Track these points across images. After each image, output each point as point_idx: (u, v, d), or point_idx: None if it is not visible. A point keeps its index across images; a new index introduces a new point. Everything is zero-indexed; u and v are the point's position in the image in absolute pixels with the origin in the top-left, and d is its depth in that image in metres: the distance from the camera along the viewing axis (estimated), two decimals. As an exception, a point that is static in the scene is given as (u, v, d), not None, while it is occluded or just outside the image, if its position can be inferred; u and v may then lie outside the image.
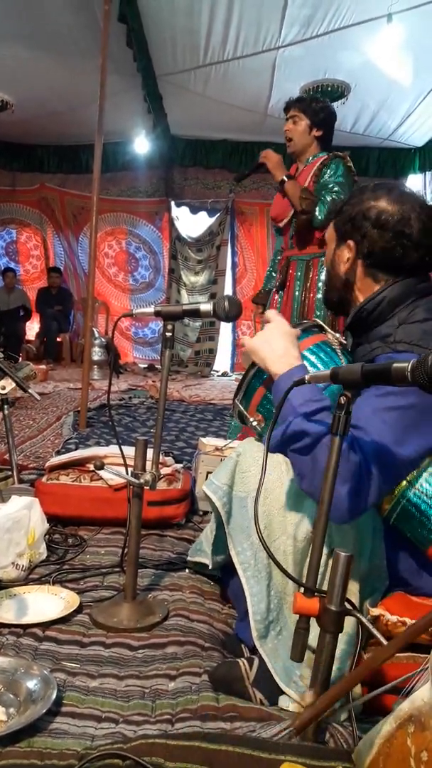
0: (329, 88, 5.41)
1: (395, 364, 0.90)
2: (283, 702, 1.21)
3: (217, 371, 8.13)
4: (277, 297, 2.99)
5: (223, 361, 8.28)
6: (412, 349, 1.15)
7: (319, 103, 2.89)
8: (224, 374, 8.02)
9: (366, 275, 1.32)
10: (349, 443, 1.06)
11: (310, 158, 2.88)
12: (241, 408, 1.38)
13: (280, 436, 1.13)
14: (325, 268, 1.40)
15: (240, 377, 1.41)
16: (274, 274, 3.14)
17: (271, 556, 1.08)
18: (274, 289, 3.02)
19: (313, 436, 1.08)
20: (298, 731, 0.95)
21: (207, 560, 1.64)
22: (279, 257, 3.07)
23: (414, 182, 7.43)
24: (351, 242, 1.32)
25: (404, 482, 1.18)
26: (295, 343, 1.25)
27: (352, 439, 1.07)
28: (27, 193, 8.36)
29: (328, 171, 2.74)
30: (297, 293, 2.85)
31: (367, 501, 1.09)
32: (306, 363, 1.27)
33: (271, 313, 1.31)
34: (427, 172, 7.16)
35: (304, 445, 1.09)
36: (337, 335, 1.35)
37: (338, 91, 5.42)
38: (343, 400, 0.98)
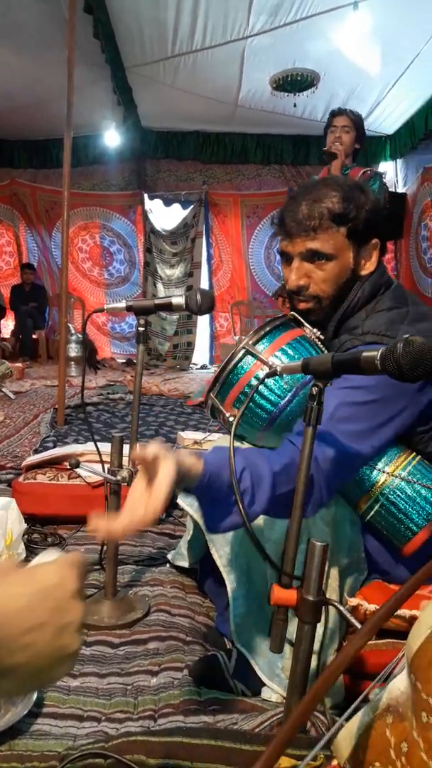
0: (299, 78, 5.40)
1: (365, 353, 0.89)
2: (266, 693, 1.21)
3: (196, 364, 8.11)
4: None
5: (201, 353, 8.25)
6: (381, 340, 1.16)
7: (362, 119, 3.35)
8: (203, 367, 8.00)
9: (373, 271, 1.29)
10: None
11: (349, 167, 3.18)
12: (216, 402, 1.35)
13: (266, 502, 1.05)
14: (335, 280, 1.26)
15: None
16: None
17: (257, 545, 1.07)
18: None
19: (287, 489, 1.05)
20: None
21: (186, 564, 1.64)
22: None
23: (386, 169, 7.46)
24: (377, 240, 1.27)
25: (382, 482, 1.18)
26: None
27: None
28: (-3, 189, 8.25)
29: (371, 186, 2.98)
30: None
31: (322, 497, 1.09)
32: (286, 359, 1.26)
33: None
34: (398, 159, 7.19)
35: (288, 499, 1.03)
36: (315, 330, 1.34)
37: (308, 81, 5.41)
38: (314, 390, 0.97)
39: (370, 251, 1.27)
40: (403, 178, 7.18)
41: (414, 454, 1.21)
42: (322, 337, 1.31)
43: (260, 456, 1.07)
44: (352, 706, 0.70)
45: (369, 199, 1.27)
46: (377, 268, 1.29)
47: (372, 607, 1.12)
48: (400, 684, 0.66)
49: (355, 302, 1.27)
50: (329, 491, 1.10)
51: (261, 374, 1.29)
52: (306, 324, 1.32)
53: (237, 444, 1.25)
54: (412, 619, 1.07)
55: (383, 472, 1.19)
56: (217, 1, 4.45)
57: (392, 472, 1.18)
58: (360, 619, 1.13)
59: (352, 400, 1.12)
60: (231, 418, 1.33)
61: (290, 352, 1.28)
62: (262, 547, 1.07)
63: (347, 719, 0.70)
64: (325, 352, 1.32)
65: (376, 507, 1.19)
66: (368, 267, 1.28)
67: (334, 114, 3.36)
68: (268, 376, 1.08)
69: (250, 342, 1.30)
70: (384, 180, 3.17)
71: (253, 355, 1.30)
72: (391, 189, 7.24)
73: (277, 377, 1.25)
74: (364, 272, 1.28)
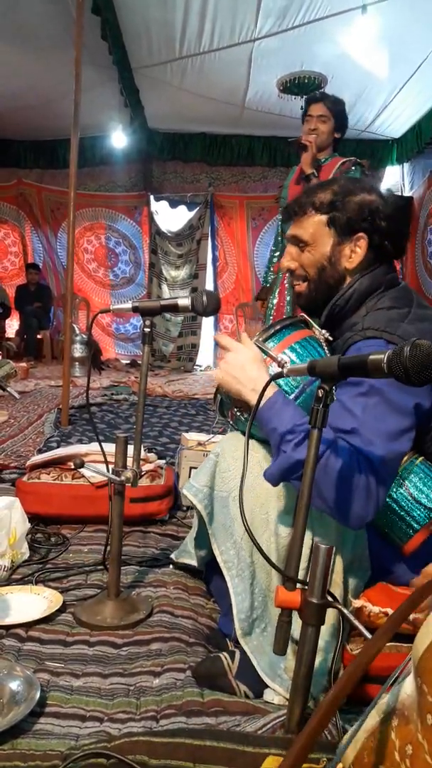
0: (306, 80, 5.40)
1: (371, 356, 0.90)
2: (268, 695, 1.21)
3: (200, 366, 8.11)
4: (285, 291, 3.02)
5: (205, 355, 8.26)
6: (381, 335, 1.16)
7: (343, 106, 3.01)
8: (207, 369, 8.01)
9: (365, 267, 1.32)
10: (354, 458, 1.07)
11: (327, 158, 2.95)
12: (224, 397, 1.37)
13: (277, 470, 1.13)
14: (314, 266, 1.33)
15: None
16: (270, 271, 3.19)
17: (258, 547, 1.08)
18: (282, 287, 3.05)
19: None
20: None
21: (192, 561, 1.64)
22: (279, 255, 3.10)
23: (392, 173, 7.46)
24: (362, 236, 1.29)
25: None
26: (260, 365, 1.23)
27: (353, 451, 1.09)
28: (4, 189, 8.25)
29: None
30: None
31: (378, 503, 1.10)
32: (294, 356, 1.27)
33: (226, 341, 1.27)
34: (405, 164, 7.19)
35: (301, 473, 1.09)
36: (323, 331, 1.34)
37: (315, 83, 5.40)
38: (321, 393, 0.98)
39: (355, 244, 1.30)
40: (409, 181, 7.18)
41: (417, 454, 1.21)
42: (331, 338, 1.32)
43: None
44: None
45: (368, 195, 1.30)
46: (379, 265, 1.31)
47: (376, 609, 1.12)
48: (406, 687, 0.66)
49: (350, 294, 1.29)
50: (384, 493, 1.11)
51: (271, 370, 1.31)
52: (315, 326, 1.33)
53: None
54: (417, 622, 1.07)
55: None
56: (225, 3, 4.46)
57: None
58: (364, 620, 1.12)
59: (373, 402, 1.12)
60: (238, 413, 1.34)
61: (299, 350, 1.29)
62: (263, 552, 1.08)
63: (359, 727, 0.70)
64: (328, 352, 1.33)
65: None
66: (353, 259, 1.30)
67: (310, 101, 3.03)
68: (274, 378, 1.09)
69: (261, 339, 1.33)
70: (366, 171, 2.95)
71: (263, 351, 1.32)
72: (398, 192, 7.25)
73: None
74: (347, 264, 1.31)
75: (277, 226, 3.24)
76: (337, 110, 2.97)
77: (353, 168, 2.88)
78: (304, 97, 3.08)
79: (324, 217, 1.31)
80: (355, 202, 1.29)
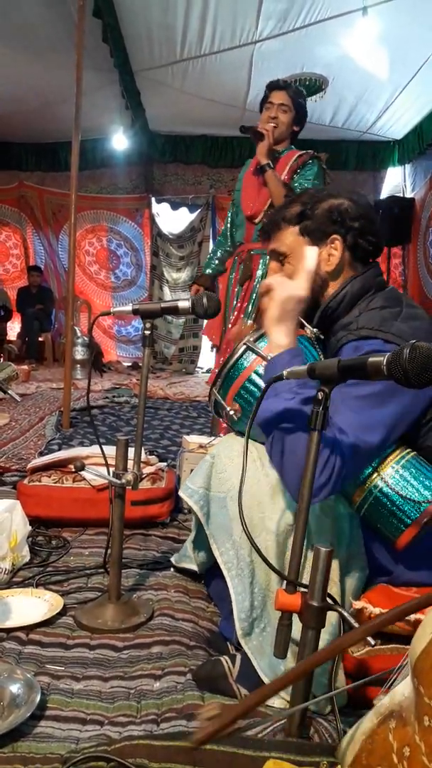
0: (307, 82, 5.38)
1: (371, 359, 0.90)
2: (269, 699, 1.21)
3: (202, 368, 8.11)
4: (236, 290, 2.93)
5: (207, 357, 8.25)
6: (376, 335, 1.18)
7: (304, 99, 2.90)
8: (209, 371, 8.00)
9: (347, 269, 1.34)
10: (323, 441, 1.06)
11: (284, 150, 2.84)
12: (218, 397, 1.38)
13: (272, 413, 1.13)
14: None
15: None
16: (216, 260, 3.11)
17: (255, 548, 1.08)
18: (234, 281, 2.96)
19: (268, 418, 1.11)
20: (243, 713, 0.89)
21: (192, 565, 1.64)
22: (230, 248, 3.03)
23: (394, 175, 7.46)
24: (336, 236, 1.33)
25: (375, 475, 1.19)
26: (295, 317, 1.24)
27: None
28: (5, 192, 8.27)
29: (307, 172, 2.74)
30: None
31: (333, 487, 1.10)
32: None
33: (272, 280, 1.29)
34: (406, 165, 7.19)
35: (291, 426, 1.11)
36: (314, 330, 1.35)
37: (316, 85, 5.39)
38: (320, 395, 0.98)
39: (330, 246, 1.33)
40: (411, 183, 7.17)
41: (409, 449, 1.21)
42: (322, 336, 1.33)
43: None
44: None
45: (335, 200, 1.34)
46: (370, 268, 1.35)
47: (377, 610, 1.12)
48: (403, 689, 0.66)
49: (342, 295, 1.32)
50: (341, 467, 1.10)
51: (261, 370, 1.34)
52: (306, 324, 1.34)
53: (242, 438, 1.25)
54: (417, 623, 1.07)
55: (377, 465, 1.19)
56: (226, 5, 4.47)
57: (386, 466, 1.19)
58: (364, 622, 1.12)
59: (356, 393, 1.14)
60: (231, 412, 1.36)
61: None
62: (262, 553, 1.08)
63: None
64: (319, 351, 1.36)
65: (370, 499, 1.19)
66: (331, 261, 1.33)
67: (273, 87, 2.86)
68: (272, 381, 1.09)
69: (251, 339, 1.36)
70: (323, 165, 2.80)
71: (254, 351, 1.35)
72: (399, 194, 7.24)
73: None
74: (327, 267, 1.34)
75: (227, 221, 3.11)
76: (298, 102, 2.85)
77: (310, 161, 2.77)
78: (267, 82, 2.90)
79: (296, 228, 1.37)
80: (323, 208, 1.34)
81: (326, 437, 1.07)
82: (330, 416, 1.10)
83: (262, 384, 1.30)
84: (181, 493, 1.48)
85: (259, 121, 2.88)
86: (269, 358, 1.23)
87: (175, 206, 8.11)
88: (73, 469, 1.53)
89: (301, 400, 1.11)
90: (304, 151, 2.82)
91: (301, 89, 2.95)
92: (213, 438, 2.61)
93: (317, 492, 1.08)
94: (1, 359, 6.69)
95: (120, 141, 7.23)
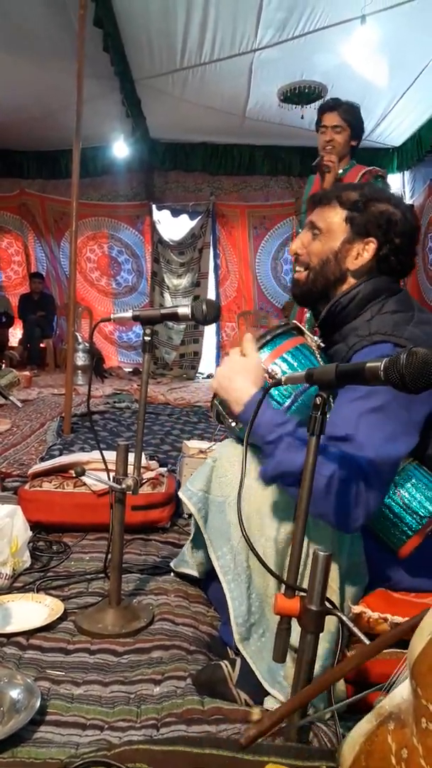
0: (306, 90, 5.43)
1: (368, 364, 0.90)
2: (269, 703, 1.21)
3: (202, 374, 8.11)
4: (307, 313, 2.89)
5: (207, 363, 8.26)
6: (389, 339, 1.17)
7: (359, 113, 2.89)
8: (209, 376, 8.01)
9: (364, 274, 1.34)
10: (344, 465, 1.08)
11: (347, 168, 2.85)
12: (220, 408, 1.38)
13: (268, 475, 1.16)
14: (319, 256, 1.35)
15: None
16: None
17: (255, 553, 1.08)
18: None
19: (294, 473, 1.09)
20: (266, 732, 0.94)
21: (191, 570, 1.65)
22: None
23: (392, 182, 7.48)
24: (372, 240, 1.32)
25: None
26: (249, 375, 1.23)
27: (343, 458, 1.09)
28: (7, 199, 8.30)
29: None
30: None
31: (369, 508, 1.10)
32: (285, 366, 1.28)
33: (231, 350, 1.30)
34: (405, 172, 7.22)
35: (292, 480, 1.11)
36: (316, 338, 1.35)
37: (315, 93, 5.44)
38: (318, 401, 0.98)
39: (364, 247, 1.32)
40: (410, 190, 7.20)
41: (410, 458, 1.21)
42: (323, 345, 1.33)
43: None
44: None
45: (392, 207, 1.33)
46: (384, 274, 1.33)
47: (375, 615, 1.12)
48: (402, 691, 0.67)
49: (353, 294, 1.31)
50: (379, 496, 1.11)
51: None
52: (307, 333, 1.34)
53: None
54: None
55: None
56: (226, 14, 4.50)
57: None
58: (363, 626, 1.13)
59: (370, 407, 1.13)
60: (233, 423, 1.35)
61: (290, 359, 1.30)
62: (261, 558, 1.08)
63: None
64: (320, 359, 1.34)
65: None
66: (357, 261, 1.33)
67: (324, 110, 2.91)
68: (272, 386, 1.10)
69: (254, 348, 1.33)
70: (387, 182, 2.85)
71: None
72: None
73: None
74: (350, 265, 1.33)
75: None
76: (352, 118, 2.87)
77: (374, 180, 2.79)
78: (318, 104, 2.93)
79: (344, 212, 1.34)
80: (377, 208, 1.32)
81: (351, 462, 1.08)
82: (349, 434, 1.11)
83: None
84: (180, 494, 1.48)
85: (317, 145, 2.90)
86: (270, 369, 1.24)
87: (175, 213, 8.14)
88: (74, 475, 1.53)
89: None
90: (368, 169, 2.83)
91: (354, 104, 2.94)
92: (213, 443, 2.61)
93: (354, 523, 1.10)
94: (3, 365, 6.70)
95: (121, 149, 7.27)
